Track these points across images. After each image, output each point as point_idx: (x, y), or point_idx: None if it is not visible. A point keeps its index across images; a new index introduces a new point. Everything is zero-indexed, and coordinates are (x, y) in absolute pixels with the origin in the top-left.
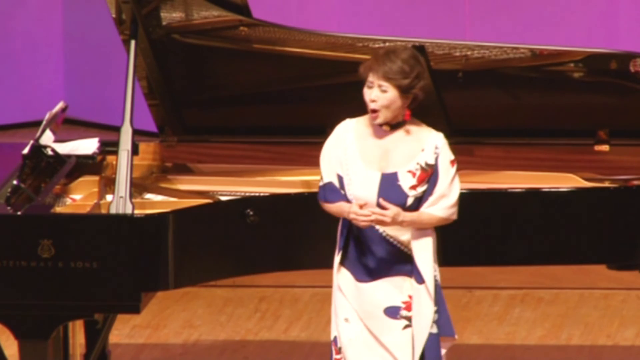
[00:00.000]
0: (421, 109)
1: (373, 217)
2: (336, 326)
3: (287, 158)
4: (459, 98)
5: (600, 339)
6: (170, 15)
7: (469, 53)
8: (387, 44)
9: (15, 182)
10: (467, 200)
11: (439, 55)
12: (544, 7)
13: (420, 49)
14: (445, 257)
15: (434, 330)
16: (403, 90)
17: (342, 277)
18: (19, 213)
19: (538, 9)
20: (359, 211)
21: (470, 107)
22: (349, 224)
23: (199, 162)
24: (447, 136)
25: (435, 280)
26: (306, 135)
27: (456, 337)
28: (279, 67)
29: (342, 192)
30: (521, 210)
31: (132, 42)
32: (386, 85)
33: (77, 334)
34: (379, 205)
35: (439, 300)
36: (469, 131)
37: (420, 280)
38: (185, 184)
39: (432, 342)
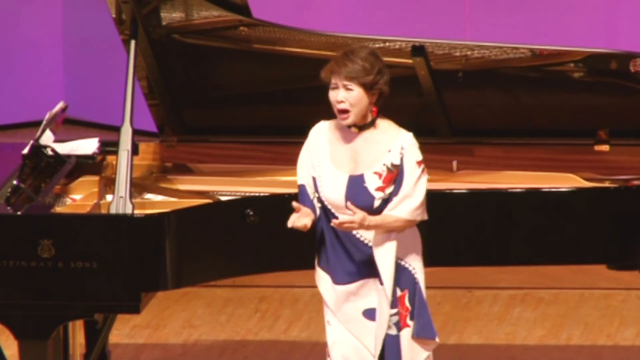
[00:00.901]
0: (422, 108)
1: (338, 222)
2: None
3: (287, 158)
4: (459, 98)
5: (600, 339)
6: (170, 15)
7: (469, 53)
8: (387, 44)
9: (15, 182)
10: (467, 200)
11: (439, 55)
12: (544, 7)
13: (420, 49)
14: (444, 257)
15: (393, 332)
16: (367, 87)
17: (320, 281)
18: (19, 213)
19: (538, 9)
20: (291, 219)
21: (470, 107)
22: (321, 229)
23: (199, 162)
24: (447, 136)
25: (416, 283)
26: (306, 135)
27: (437, 339)
28: (279, 67)
29: (316, 194)
30: (521, 210)
31: (132, 42)
32: (350, 84)
33: (77, 334)
34: (347, 207)
35: (418, 303)
36: (469, 131)
37: (382, 282)
38: (185, 184)
39: (391, 344)
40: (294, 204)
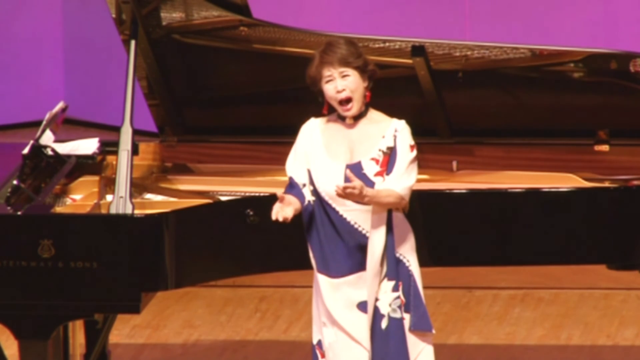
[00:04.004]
0: (422, 108)
1: (340, 190)
2: (319, 330)
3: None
4: (459, 98)
5: (600, 339)
6: (170, 15)
7: (469, 53)
8: (387, 44)
9: (15, 182)
10: (467, 200)
11: (439, 55)
12: (543, 8)
13: (420, 49)
14: (444, 257)
15: (397, 315)
16: (361, 70)
17: (319, 286)
18: (19, 213)
19: (538, 9)
20: (274, 210)
21: (470, 107)
22: (308, 223)
23: (199, 162)
24: (447, 136)
25: (410, 276)
26: None
27: (433, 331)
28: (279, 67)
29: (312, 187)
30: (521, 210)
31: (132, 42)
32: (346, 70)
33: (77, 334)
34: (346, 176)
35: (413, 296)
36: (469, 131)
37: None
38: (185, 184)
39: (396, 327)
40: (278, 193)
